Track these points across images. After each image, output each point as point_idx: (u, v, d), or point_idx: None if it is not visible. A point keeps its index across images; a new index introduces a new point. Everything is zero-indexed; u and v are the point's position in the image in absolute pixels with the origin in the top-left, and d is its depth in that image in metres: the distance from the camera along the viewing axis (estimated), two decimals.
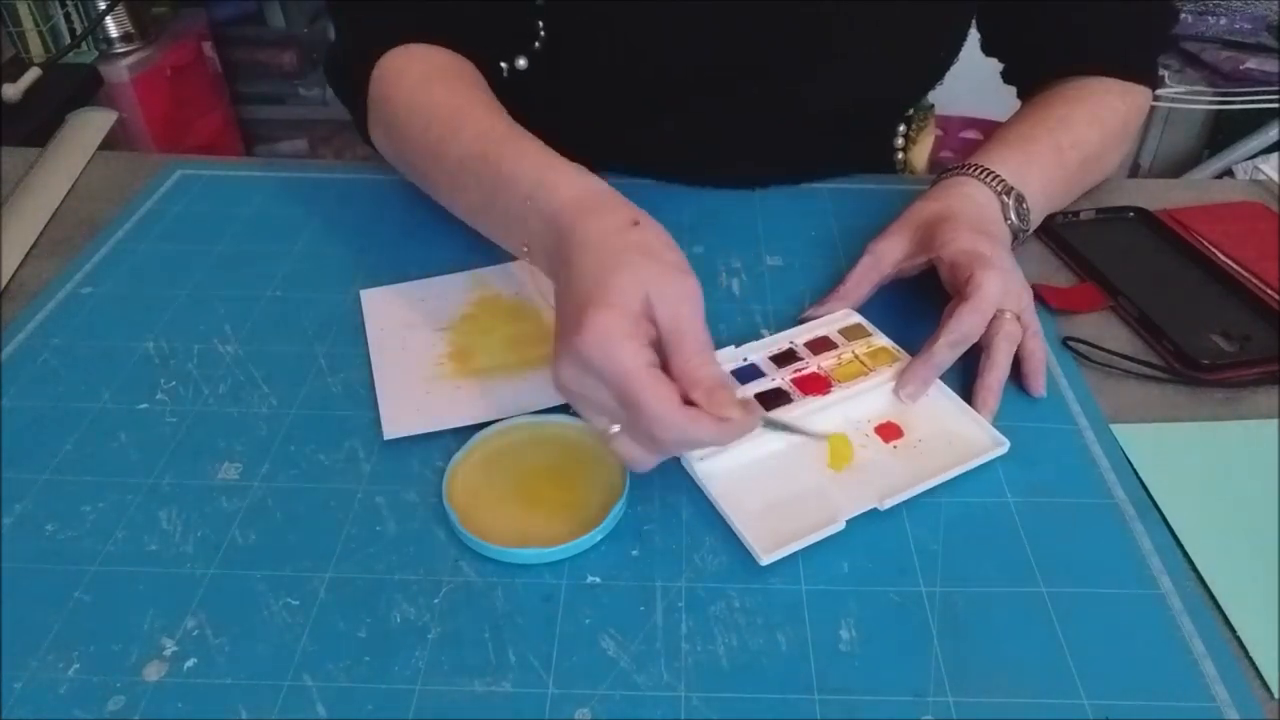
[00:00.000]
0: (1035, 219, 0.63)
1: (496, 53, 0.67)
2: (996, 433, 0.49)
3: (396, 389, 0.53)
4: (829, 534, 0.44)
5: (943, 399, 0.52)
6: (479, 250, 0.65)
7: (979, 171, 0.61)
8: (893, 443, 0.50)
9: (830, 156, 0.75)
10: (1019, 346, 0.54)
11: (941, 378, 0.52)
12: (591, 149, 0.72)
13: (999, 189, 0.61)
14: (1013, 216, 0.61)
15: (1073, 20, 0.69)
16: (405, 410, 0.51)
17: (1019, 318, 0.54)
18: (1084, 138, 0.66)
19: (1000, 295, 0.52)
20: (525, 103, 0.59)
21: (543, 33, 0.67)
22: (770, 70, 0.68)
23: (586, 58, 0.68)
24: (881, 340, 0.55)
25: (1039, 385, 0.53)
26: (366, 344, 0.56)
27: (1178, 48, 1.67)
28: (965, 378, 0.53)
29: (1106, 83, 0.69)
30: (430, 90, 0.58)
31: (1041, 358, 0.54)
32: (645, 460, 0.43)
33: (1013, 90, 0.76)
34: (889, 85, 0.73)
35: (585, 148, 0.71)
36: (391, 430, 0.50)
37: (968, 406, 0.51)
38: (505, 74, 0.68)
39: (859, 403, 0.52)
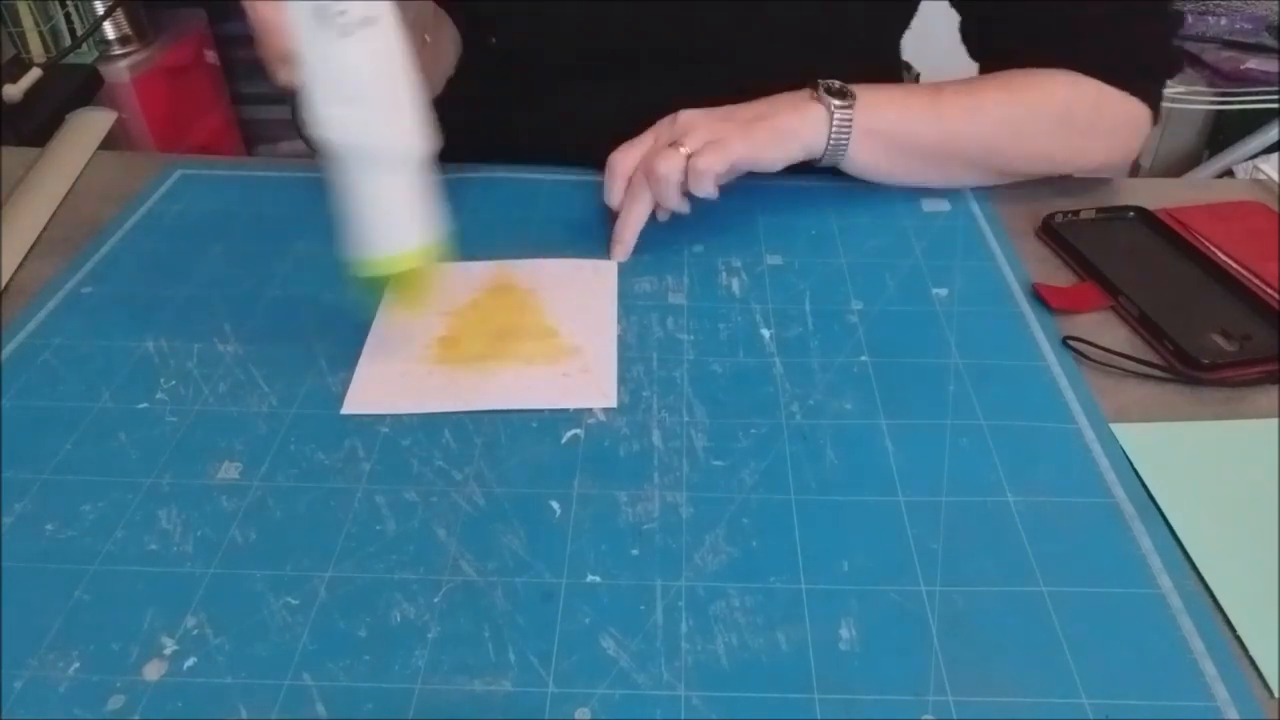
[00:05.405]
0: (858, 139, 0.62)
1: None
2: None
3: (375, 368, 0.54)
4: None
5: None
6: (478, 249, 0.65)
7: (819, 87, 0.61)
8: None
9: None
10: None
11: None
12: (539, 143, 0.73)
13: (838, 105, 0.60)
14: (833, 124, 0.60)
15: (1039, 12, 0.66)
16: (372, 390, 0.53)
17: (681, 147, 0.58)
18: (980, 102, 0.63)
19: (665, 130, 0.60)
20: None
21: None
22: (684, 48, 0.68)
23: (488, 45, 0.73)
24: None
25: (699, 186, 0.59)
26: (367, 340, 0.56)
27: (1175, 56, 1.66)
28: None
29: (1066, 74, 0.65)
30: None
31: (702, 170, 0.57)
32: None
33: None
34: (809, 56, 0.69)
35: (535, 141, 0.72)
36: (350, 407, 0.51)
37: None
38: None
39: None
